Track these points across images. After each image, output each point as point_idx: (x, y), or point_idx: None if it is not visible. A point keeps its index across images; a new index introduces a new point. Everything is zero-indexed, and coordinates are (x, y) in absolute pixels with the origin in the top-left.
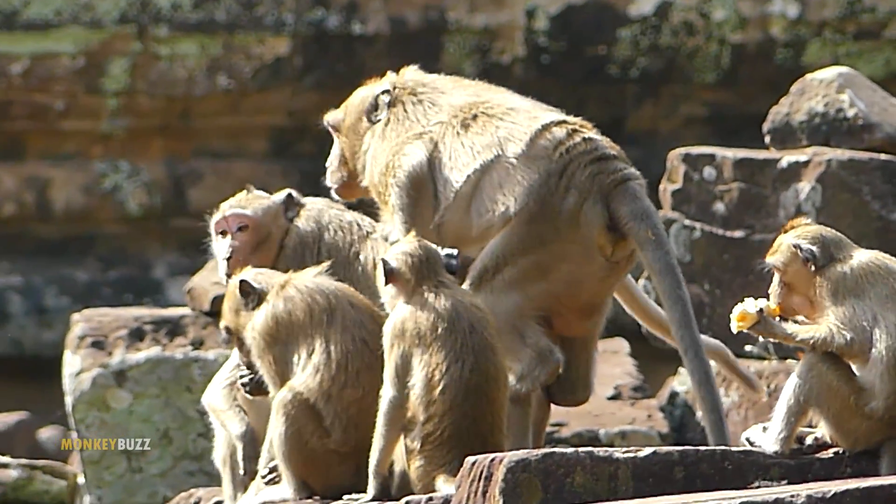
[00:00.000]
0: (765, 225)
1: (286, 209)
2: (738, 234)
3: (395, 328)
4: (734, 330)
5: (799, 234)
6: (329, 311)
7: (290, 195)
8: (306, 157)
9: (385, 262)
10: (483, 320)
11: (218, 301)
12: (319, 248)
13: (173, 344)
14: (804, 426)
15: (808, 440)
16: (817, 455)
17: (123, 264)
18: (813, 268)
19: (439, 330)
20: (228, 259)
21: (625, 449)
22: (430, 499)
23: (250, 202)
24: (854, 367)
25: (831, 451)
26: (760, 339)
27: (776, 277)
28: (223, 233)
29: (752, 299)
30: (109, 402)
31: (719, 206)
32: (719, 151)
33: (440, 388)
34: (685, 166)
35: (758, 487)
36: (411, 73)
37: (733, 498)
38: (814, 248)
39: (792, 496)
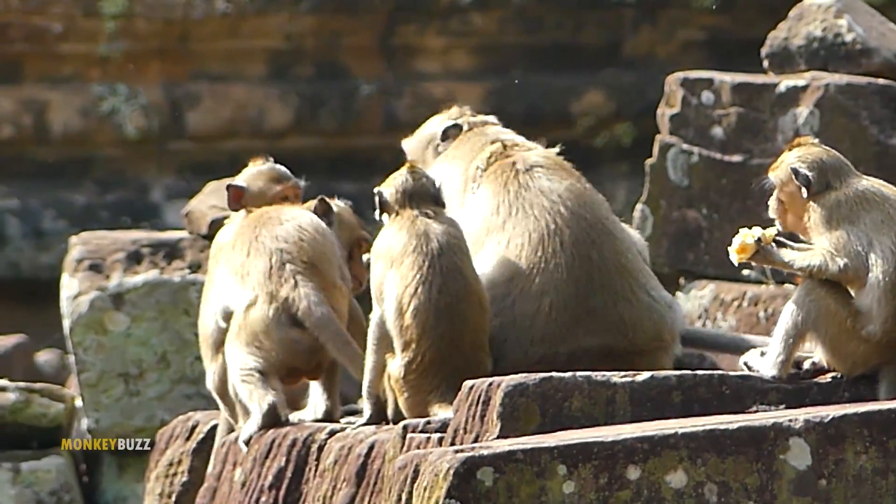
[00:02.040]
0: (763, 149)
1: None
2: (737, 158)
3: (374, 249)
4: (735, 262)
5: (801, 156)
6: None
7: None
8: (304, 80)
9: (380, 194)
10: (454, 245)
11: (215, 224)
12: None
13: (171, 267)
14: (802, 351)
15: (806, 365)
16: (815, 380)
17: (121, 187)
18: (806, 194)
19: (407, 250)
20: None
21: (622, 373)
22: (429, 422)
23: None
24: (851, 292)
25: (829, 375)
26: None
27: (774, 193)
28: None
29: (746, 229)
30: (107, 325)
31: (717, 131)
32: (717, 76)
33: (410, 310)
34: (683, 91)
35: (756, 412)
36: None
37: (731, 422)
38: (810, 175)
39: (790, 420)
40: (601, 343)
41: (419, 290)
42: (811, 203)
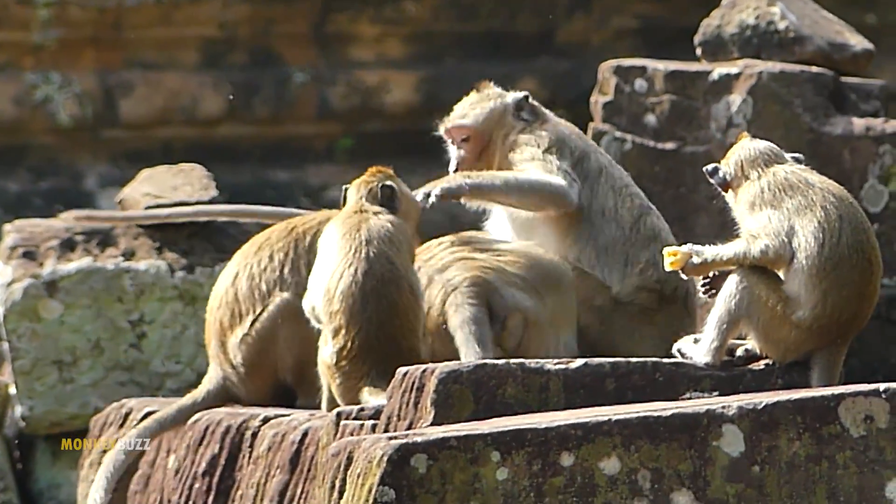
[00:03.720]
0: (696, 137)
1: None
2: (670, 146)
3: (318, 242)
4: (667, 269)
5: (723, 157)
6: None
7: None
8: (237, 68)
9: (345, 189)
10: (385, 236)
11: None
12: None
13: (104, 255)
14: (735, 339)
15: (739, 352)
16: (748, 367)
17: (55, 175)
18: (726, 190)
19: (338, 239)
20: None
21: (556, 360)
22: (363, 409)
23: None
24: (782, 276)
25: (762, 362)
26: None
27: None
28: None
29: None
30: (41, 312)
31: (650, 119)
32: (651, 63)
33: (337, 294)
34: (616, 78)
35: (689, 399)
36: None
37: (665, 409)
38: (726, 173)
39: (723, 407)
40: None
41: (344, 273)
42: (736, 192)
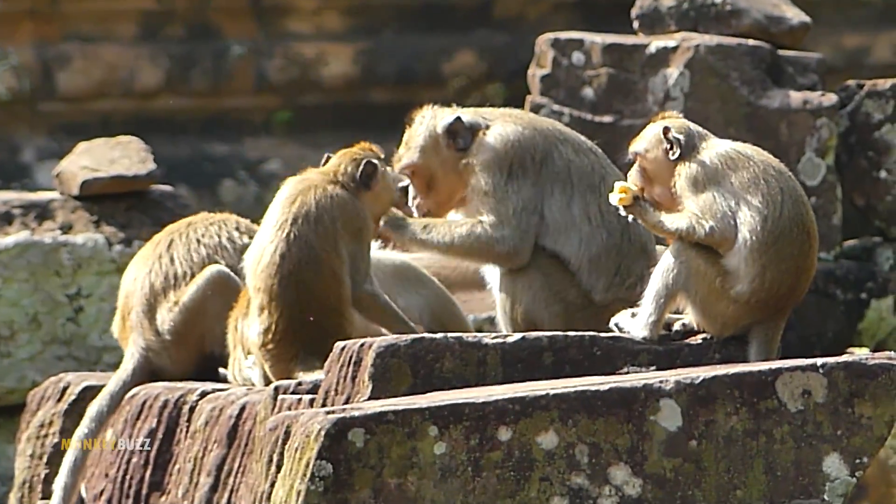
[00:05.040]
0: (633, 110)
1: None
2: (607, 119)
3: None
4: (613, 202)
5: (667, 122)
6: None
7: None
8: (175, 40)
9: (327, 157)
10: (316, 216)
11: (86, 185)
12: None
13: (42, 228)
14: (673, 313)
15: (676, 326)
16: (686, 341)
17: None
18: (673, 156)
19: (279, 202)
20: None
21: (494, 334)
22: (300, 383)
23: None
24: (721, 251)
25: (700, 337)
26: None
27: (636, 166)
28: None
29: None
30: None
31: (588, 92)
32: (588, 37)
33: (259, 272)
34: (554, 51)
35: (626, 373)
36: None
37: (602, 384)
38: (680, 137)
39: (661, 382)
40: None
41: (265, 251)
42: (678, 167)
